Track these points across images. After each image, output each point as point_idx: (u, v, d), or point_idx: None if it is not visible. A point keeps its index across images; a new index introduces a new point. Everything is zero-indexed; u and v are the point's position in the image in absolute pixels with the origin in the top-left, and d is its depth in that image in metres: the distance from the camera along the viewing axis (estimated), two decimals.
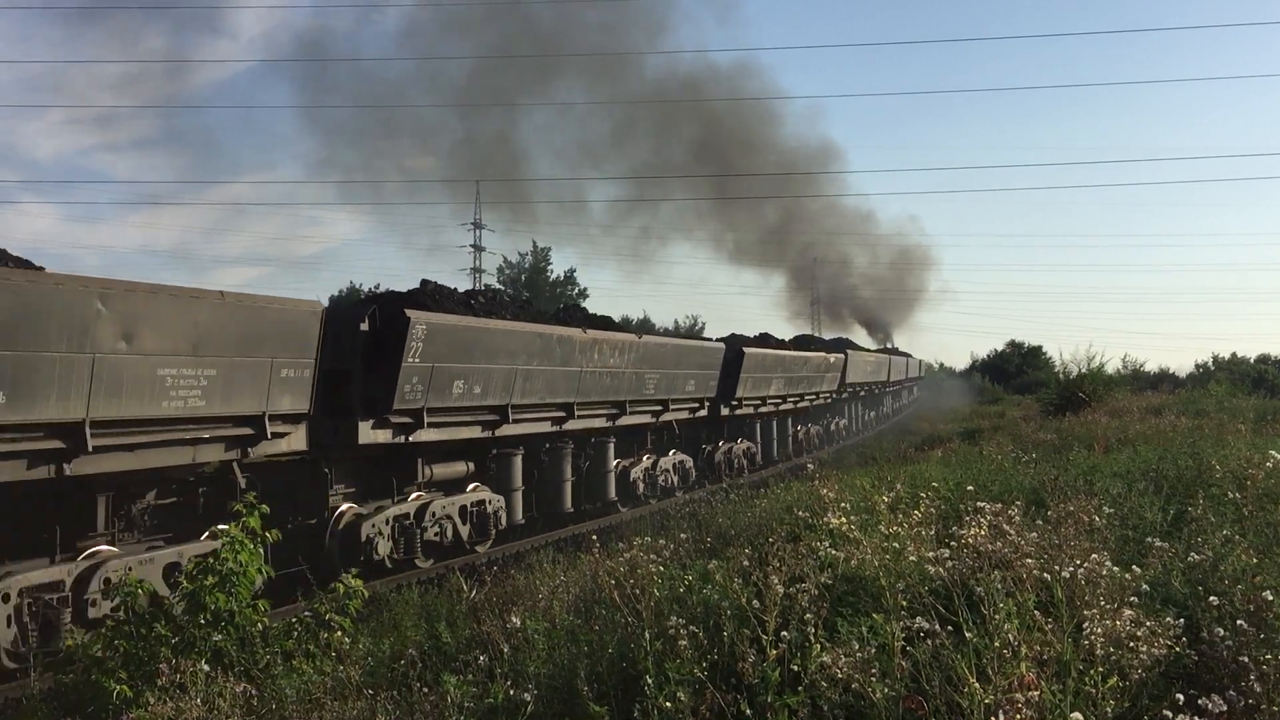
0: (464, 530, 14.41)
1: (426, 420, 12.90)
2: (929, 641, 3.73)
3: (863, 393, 41.52)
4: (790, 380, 27.26)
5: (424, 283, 14.92)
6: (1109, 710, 3.35)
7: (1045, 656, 3.52)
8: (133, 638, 6.27)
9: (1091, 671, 3.40)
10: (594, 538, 6.98)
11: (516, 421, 15.07)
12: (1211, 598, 4.24)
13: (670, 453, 21.38)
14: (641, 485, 19.88)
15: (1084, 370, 29.28)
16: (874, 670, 3.70)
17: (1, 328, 7.70)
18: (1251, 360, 62.15)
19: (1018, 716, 3.27)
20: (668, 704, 4.02)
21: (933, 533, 5.13)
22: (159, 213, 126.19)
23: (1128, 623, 3.50)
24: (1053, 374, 38.24)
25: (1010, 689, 3.38)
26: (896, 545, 4.89)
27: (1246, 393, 31.79)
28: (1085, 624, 3.54)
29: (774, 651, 4.06)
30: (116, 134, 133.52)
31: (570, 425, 16.89)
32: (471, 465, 15.03)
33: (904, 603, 4.18)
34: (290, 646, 6.63)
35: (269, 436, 10.47)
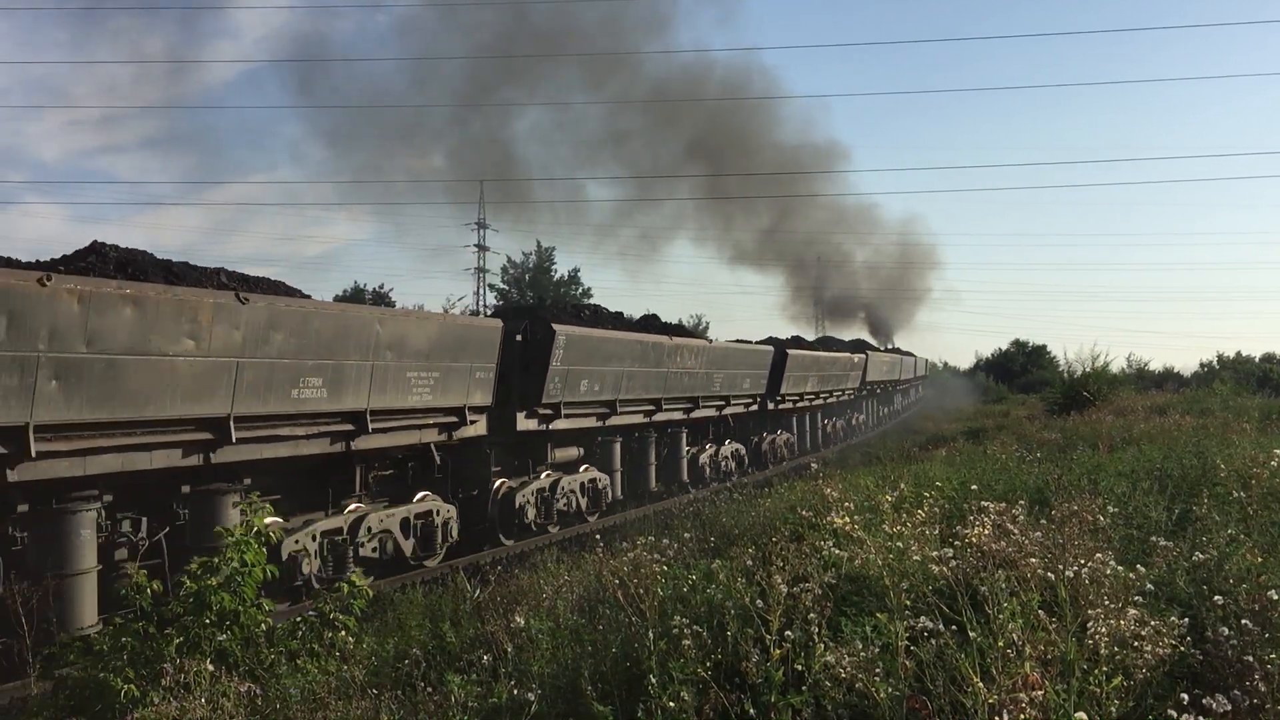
0: (583, 502, 17.57)
1: (563, 412, 16.20)
2: (933, 641, 3.72)
3: (879, 390, 45.16)
4: (823, 378, 30.58)
5: (539, 299, 20.13)
6: (1113, 710, 3.35)
7: (1049, 656, 3.51)
8: (139, 636, 6.28)
9: (1096, 671, 3.40)
10: (598, 537, 6.98)
11: (621, 414, 18.38)
12: (1216, 597, 4.23)
13: (726, 442, 24.46)
14: (707, 469, 22.91)
15: (1088, 369, 29.25)
16: (878, 670, 3.69)
17: (327, 344, 11.02)
18: (1256, 359, 61.97)
19: (1022, 716, 3.27)
20: (671, 704, 4.02)
21: (937, 532, 5.13)
22: (165, 213, 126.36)
23: (1132, 622, 3.50)
24: (1057, 373, 38.17)
25: (1014, 689, 3.38)
26: (900, 545, 4.88)
27: (1251, 392, 31.74)
28: (1089, 623, 3.54)
29: (778, 651, 4.06)
30: (121, 135, 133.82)
31: (658, 417, 20.22)
32: (581, 450, 18.16)
33: (908, 602, 4.17)
34: (295, 646, 6.63)
35: (467, 423, 13.98)
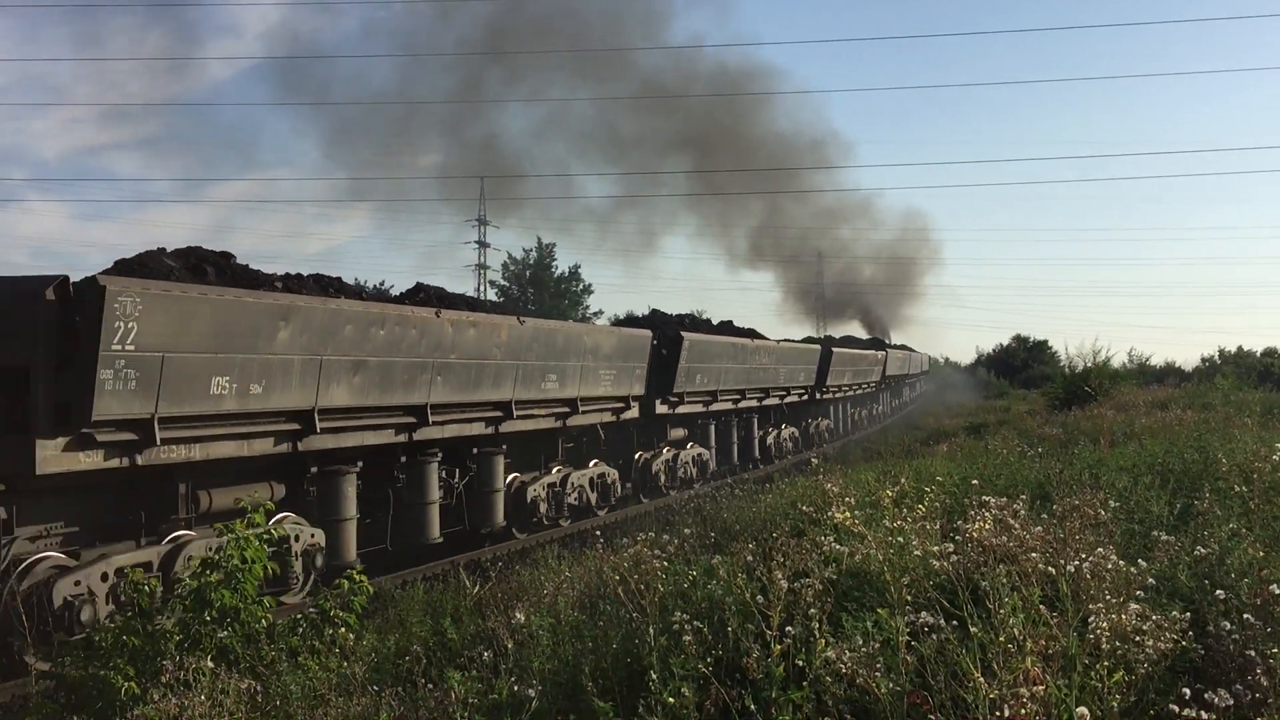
0: (694, 472, 21.45)
1: (686, 399, 20.45)
2: (934, 636, 3.71)
3: (893, 384, 49.63)
4: (855, 372, 35.39)
5: (653, 311, 24.28)
6: (1115, 705, 3.34)
7: (1051, 651, 3.51)
8: (140, 634, 6.28)
9: (1097, 666, 3.39)
10: (598, 533, 6.97)
11: (719, 402, 22.48)
12: (1218, 591, 4.23)
13: (782, 426, 28.81)
14: (774, 449, 27.68)
15: (1090, 365, 29.24)
16: (879, 665, 3.68)
17: (560, 351, 15.64)
18: (1258, 354, 61.90)
19: (1023, 711, 3.26)
20: (672, 699, 4.02)
21: (937, 527, 5.12)
22: (166, 210, 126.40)
23: (1133, 617, 3.49)
24: (1058, 368, 38.14)
25: (1015, 684, 3.37)
26: (901, 540, 4.88)
27: (1253, 386, 31.74)
28: (1091, 618, 3.53)
29: (778, 647, 4.05)
30: (122, 132, 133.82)
31: (742, 404, 24.54)
32: (685, 431, 21.82)
33: (909, 597, 4.16)
34: (295, 643, 6.63)
35: (630, 407, 18.38)
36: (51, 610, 8.68)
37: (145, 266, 10.04)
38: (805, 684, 3.88)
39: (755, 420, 26.10)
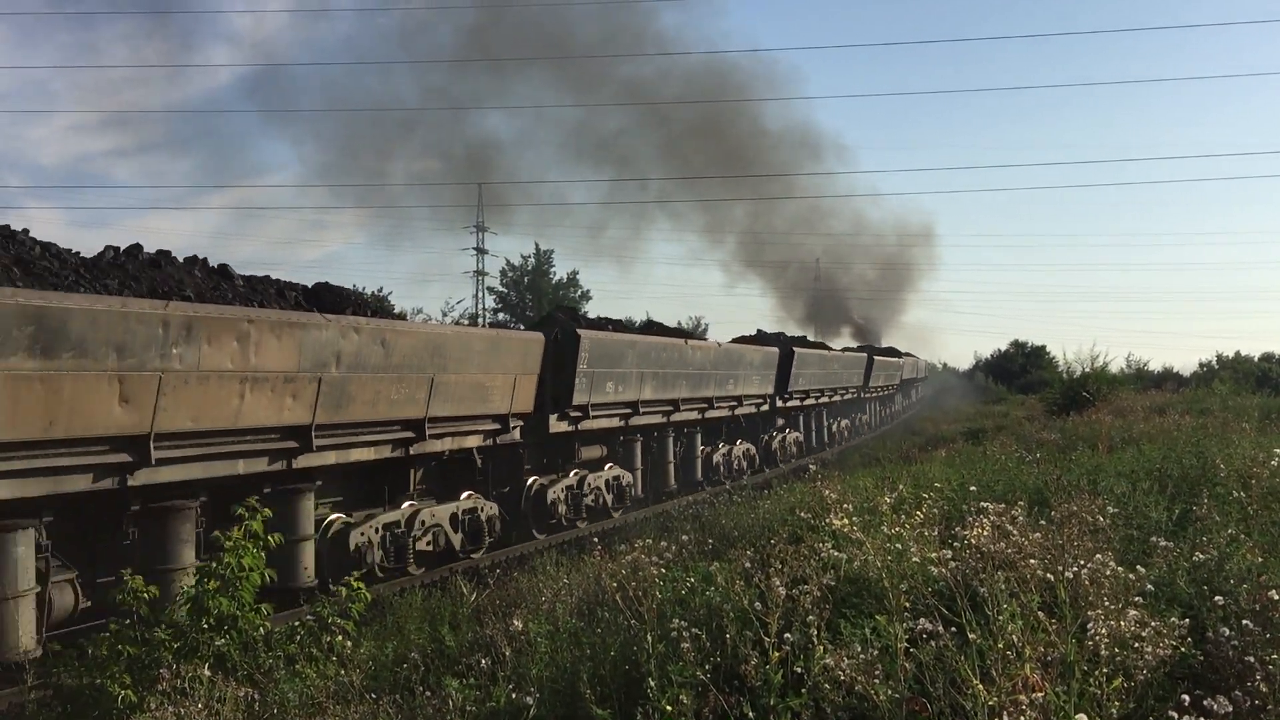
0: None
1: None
2: (932, 643, 3.70)
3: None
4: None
5: (759, 331, 32.65)
6: (1114, 711, 3.33)
7: (1049, 657, 3.50)
8: (136, 642, 6.26)
9: (1096, 672, 3.38)
10: (595, 540, 6.96)
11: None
12: (1217, 597, 4.22)
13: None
14: (837, 436, 36.41)
15: (1087, 370, 29.24)
16: (877, 672, 3.67)
17: (700, 365, 21.82)
18: (1255, 359, 61.92)
19: (1022, 718, 3.25)
20: (670, 706, 4.01)
21: (936, 533, 5.11)
22: (163, 217, 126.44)
23: (1132, 623, 3.48)
24: (1056, 374, 38.13)
25: (1014, 690, 3.36)
26: (899, 546, 4.87)
27: (1251, 391, 31.72)
28: (1090, 624, 3.52)
29: (776, 654, 4.04)
30: (119, 139, 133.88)
31: (821, 400, 33.03)
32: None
33: (907, 604, 4.15)
34: (293, 650, 6.62)
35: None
36: (348, 553, 11.61)
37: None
38: (804, 691, 3.87)
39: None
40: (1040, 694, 3.33)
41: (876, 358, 45.07)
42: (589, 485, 17.38)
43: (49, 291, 8.33)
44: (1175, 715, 3.20)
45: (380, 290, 54.41)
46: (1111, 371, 31.67)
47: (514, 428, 14.85)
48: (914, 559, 4.62)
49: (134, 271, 9.99)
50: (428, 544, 13.19)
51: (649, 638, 4.48)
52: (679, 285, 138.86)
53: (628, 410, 18.66)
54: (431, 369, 12.50)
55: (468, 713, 4.56)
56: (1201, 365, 60.50)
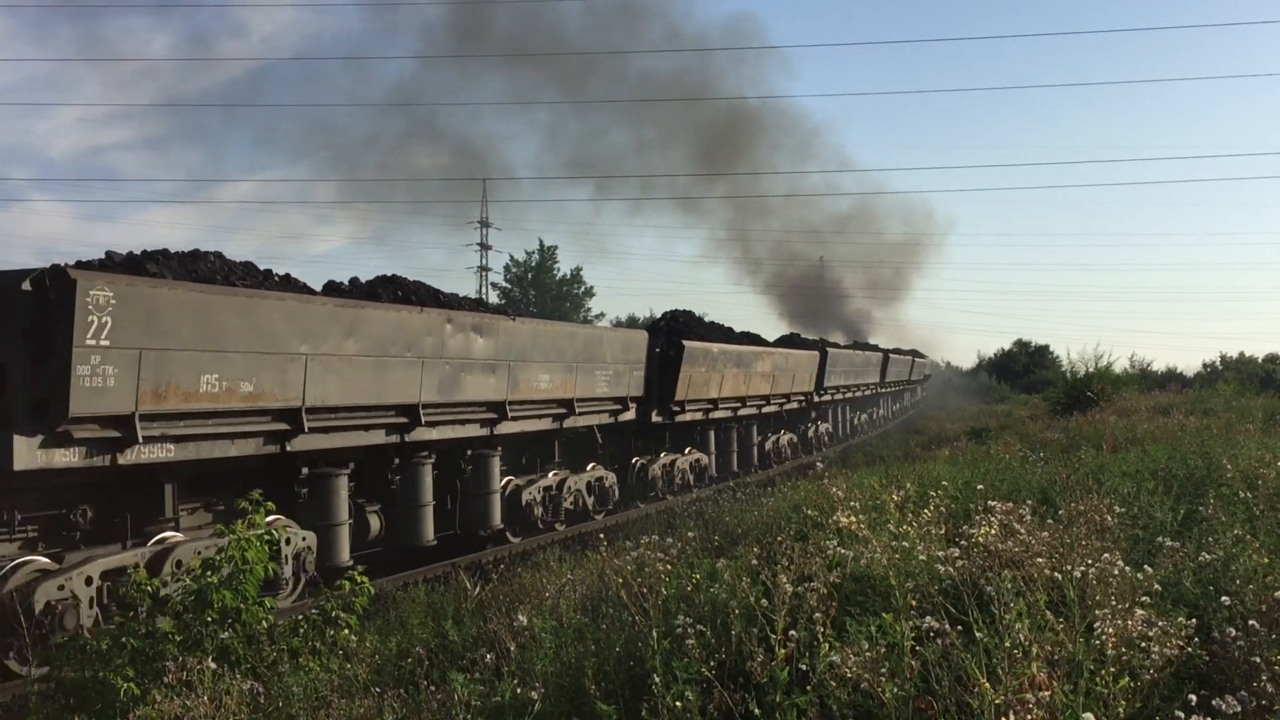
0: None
1: (826, 391, 30.93)
2: (939, 641, 3.70)
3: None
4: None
5: (792, 334, 36.02)
6: (1121, 711, 3.33)
7: (1056, 656, 3.50)
8: (139, 635, 6.27)
9: (1103, 672, 3.38)
10: (601, 536, 6.97)
11: (841, 395, 34.92)
12: (1223, 598, 4.21)
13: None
14: (858, 427, 40.19)
15: (1091, 369, 29.19)
16: (883, 670, 3.67)
17: (780, 365, 27.32)
18: (1260, 360, 61.84)
19: (1029, 717, 3.24)
20: (676, 703, 4.01)
21: (942, 532, 5.11)
22: (168, 210, 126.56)
23: (1139, 623, 3.48)
24: (1060, 373, 38.09)
25: (1021, 689, 3.36)
26: (906, 544, 4.87)
27: (1255, 392, 31.64)
28: (1097, 624, 3.52)
29: (782, 651, 4.04)
30: (127, 132, 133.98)
31: (848, 395, 36.87)
32: (817, 413, 32.06)
33: (913, 602, 4.15)
34: (297, 644, 6.62)
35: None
36: (519, 507, 13.36)
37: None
38: (810, 688, 3.87)
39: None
40: (1047, 693, 3.33)
41: (891, 356, 48.97)
42: (678, 467, 21.01)
43: (363, 300, 12.16)
44: (1182, 715, 3.19)
45: None
46: (1115, 371, 31.61)
47: (630, 409, 18.09)
48: (920, 557, 4.62)
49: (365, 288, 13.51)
50: (570, 504, 16.40)
51: (654, 634, 4.48)
52: (678, 281, 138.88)
53: (709, 406, 21.91)
54: (575, 359, 15.81)
55: (472, 707, 4.55)
56: (1206, 366, 60.53)
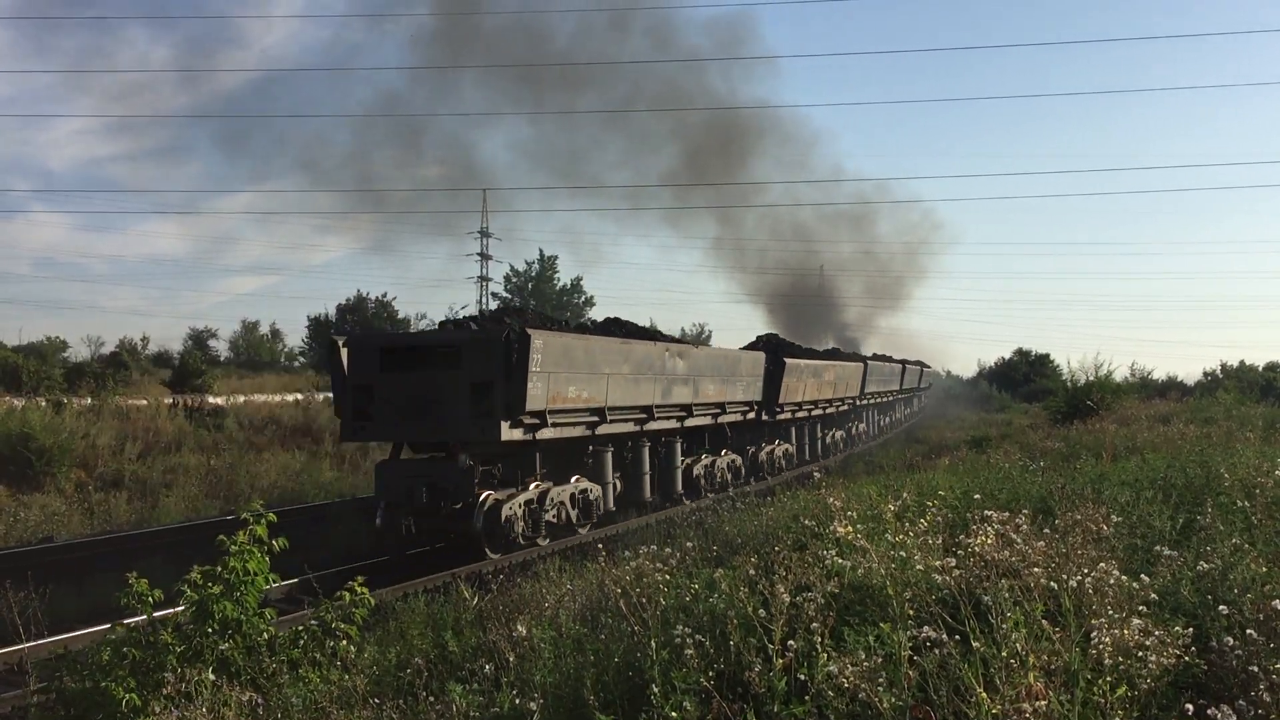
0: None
1: (867, 397, 37.31)
2: (936, 651, 3.71)
3: (879, 399, 54.21)
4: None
5: (834, 348, 41.08)
6: None
7: (1053, 666, 3.50)
8: (141, 645, 6.27)
9: (1100, 681, 3.39)
10: (599, 546, 6.97)
11: (871, 399, 40.00)
12: (1221, 607, 4.21)
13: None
14: (884, 428, 45.23)
15: (1091, 378, 29.22)
16: (881, 680, 3.68)
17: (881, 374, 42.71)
18: (1260, 368, 61.85)
19: None
20: (674, 713, 4.01)
21: (940, 541, 5.11)
22: (170, 222, 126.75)
23: (1136, 632, 3.48)
24: (1060, 382, 38.15)
25: (1018, 699, 3.37)
26: (903, 554, 4.87)
27: (1255, 401, 31.71)
28: (1094, 633, 3.53)
29: (780, 661, 4.05)
30: (127, 144, 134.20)
31: (879, 400, 42.64)
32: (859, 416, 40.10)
33: (911, 612, 4.16)
34: (297, 655, 6.62)
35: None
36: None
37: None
38: (807, 698, 3.88)
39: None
40: (1044, 702, 3.33)
41: (907, 366, 51.58)
42: (776, 454, 26.90)
43: (629, 339, 18.47)
44: None
45: (385, 295, 54.47)
46: (1115, 380, 31.64)
47: (754, 410, 24.21)
48: (918, 567, 4.62)
49: (629, 329, 20.11)
50: (719, 479, 22.36)
51: (653, 644, 4.49)
52: (677, 291, 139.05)
53: (795, 407, 27.52)
54: (726, 374, 22.30)
55: (471, 718, 4.56)
56: (1206, 374, 60.54)
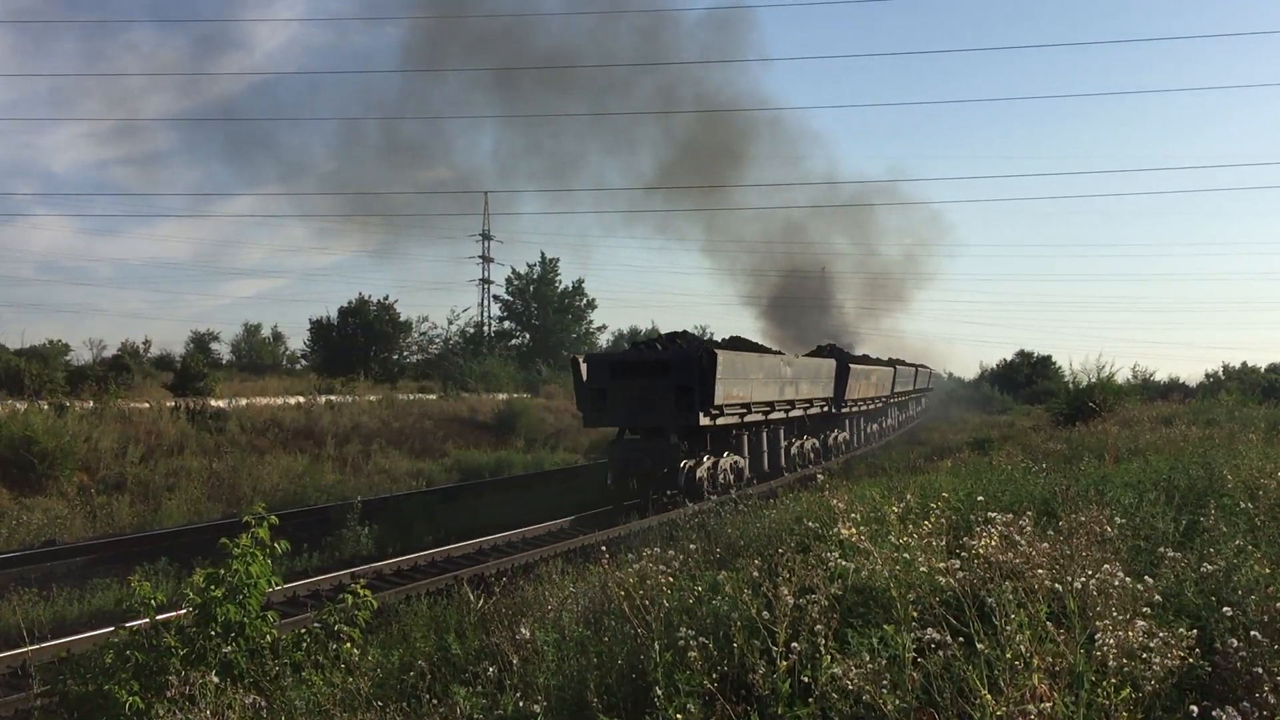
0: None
1: (896, 396, 48.22)
2: (940, 653, 3.70)
3: (901, 398, 58.38)
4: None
5: (864, 355, 44.21)
6: None
7: (1058, 668, 3.50)
8: (144, 649, 6.28)
9: (1104, 683, 3.38)
10: (603, 548, 6.97)
11: (897, 397, 49.14)
12: (1225, 608, 4.21)
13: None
14: (903, 421, 51.52)
15: (1094, 380, 29.21)
16: (885, 682, 3.67)
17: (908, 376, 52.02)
18: (1262, 369, 61.83)
19: None
20: (678, 715, 4.01)
21: (943, 543, 5.10)
22: (173, 225, 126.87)
23: (1140, 634, 3.48)
24: (1062, 384, 38.12)
25: (1022, 700, 3.36)
26: (907, 556, 4.87)
27: (1257, 402, 31.65)
28: (1098, 635, 3.52)
29: (784, 663, 4.04)
30: (130, 147, 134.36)
31: (901, 399, 50.99)
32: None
33: (915, 614, 4.15)
34: (299, 658, 6.63)
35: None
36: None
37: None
38: (811, 700, 3.87)
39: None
40: (1048, 704, 3.33)
41: (919, 369, 57.88)
42: (839, 439, 34.37)
43: (745, 350, 25.57)
44: None
45: (386, 297, 54.53)
46: (1117, 382, 31.62)
47: (828, 405, 31.45)
48: (922, 569, 4.62)
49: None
50: (806, 456, 30.15)
51: (656, 646, 4.48)
52: (677, 293, 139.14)
53: (852, 403, 34.07)
54: (811, 376, 28.81)
55: None
56: (1208, 376, 60.59)
